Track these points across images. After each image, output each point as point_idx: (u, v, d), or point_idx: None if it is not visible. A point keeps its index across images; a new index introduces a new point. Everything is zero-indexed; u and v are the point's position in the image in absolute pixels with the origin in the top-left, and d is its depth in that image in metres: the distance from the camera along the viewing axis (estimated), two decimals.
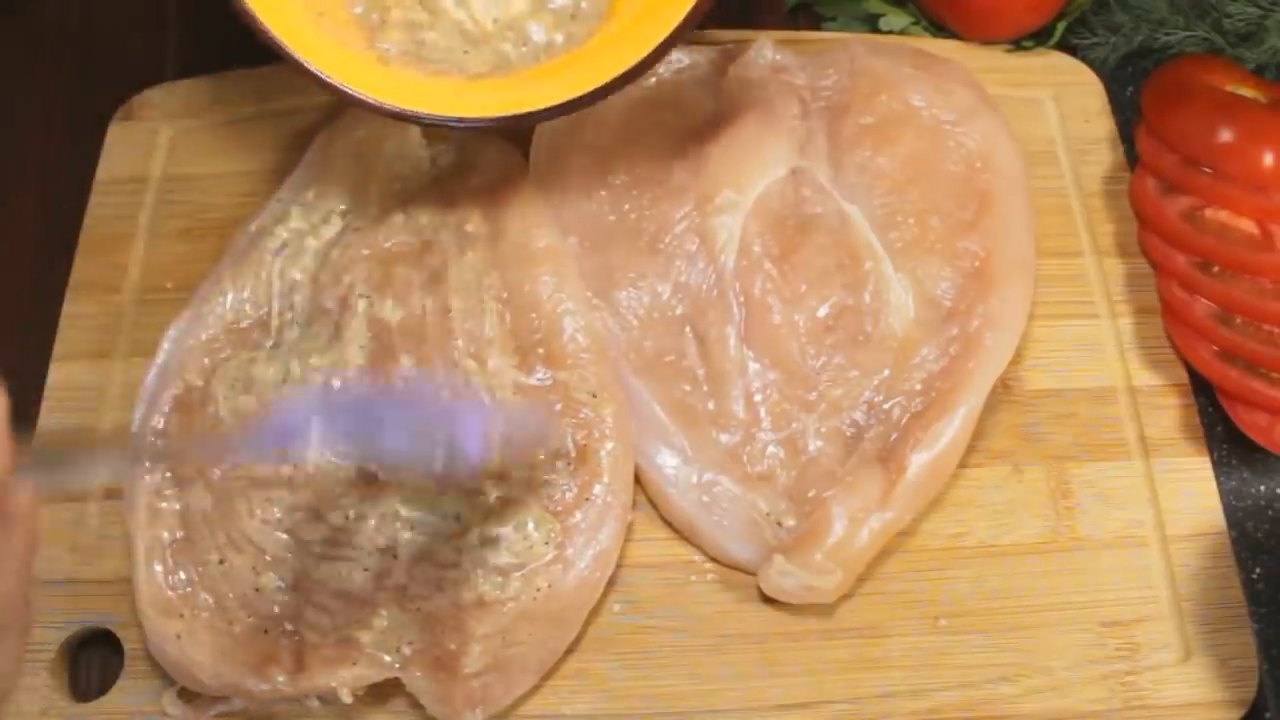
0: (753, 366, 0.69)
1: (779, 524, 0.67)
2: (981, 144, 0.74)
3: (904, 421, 0.67)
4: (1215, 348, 0.73)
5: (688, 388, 0.69)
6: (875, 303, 0.70)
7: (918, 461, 0.66)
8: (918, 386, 0.68)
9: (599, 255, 0.72)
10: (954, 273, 0.71)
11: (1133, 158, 0.80)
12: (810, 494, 0.67)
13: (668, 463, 0.68)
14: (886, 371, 0.69)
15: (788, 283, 0.71)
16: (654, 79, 0.77)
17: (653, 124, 0.76)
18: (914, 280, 0.71)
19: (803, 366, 0.69)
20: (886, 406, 0.68)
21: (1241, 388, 0.71)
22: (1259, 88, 0.80)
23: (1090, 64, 0.85)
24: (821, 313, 0.70)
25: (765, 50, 0.78)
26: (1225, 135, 0.75)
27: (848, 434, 0.68)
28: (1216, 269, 0.74)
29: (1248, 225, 0.75)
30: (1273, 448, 0.71)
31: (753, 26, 0.86)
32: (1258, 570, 0.70)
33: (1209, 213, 0.76)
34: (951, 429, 0.67)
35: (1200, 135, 0.76)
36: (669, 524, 0.69)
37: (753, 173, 0.74)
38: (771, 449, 0.68)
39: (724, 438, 0.68)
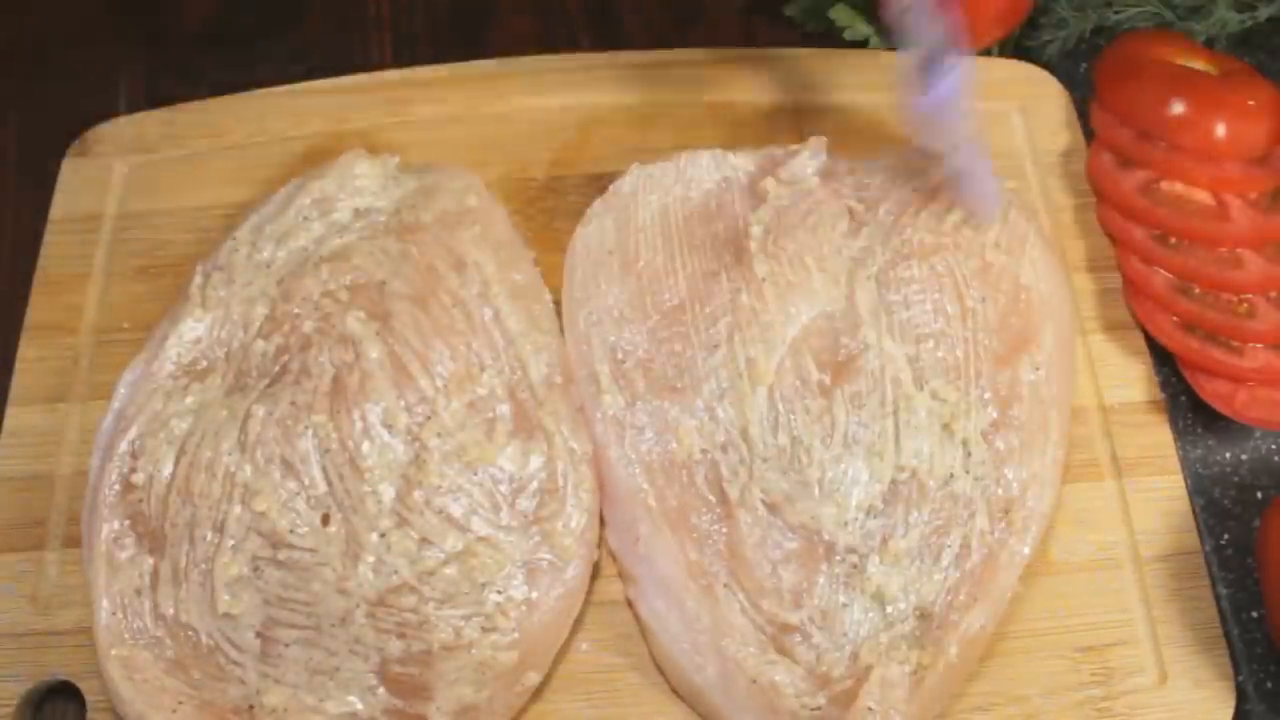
0: (780, 534, 0.64)
1: (802, 705, 0.61)
2: (1030, 283, 0.70)
3: (937, 605, 0.63)
4: (1175, 318, 0.73)
5: (708, 548, 0.64)
6: (914, 476, 0.65)
7: (952, 645, 0.62)
8: (954, 572, 0.64)
9: (625, 392, 0.68)
10: (988, 448, 0.66)
11: (1089, 134, 0.80)
12: (839, 674, 0.62)
13: (679, 626, 0.63)
14: (921, 549, 0.64)
15: (825, 444, 0.66)
16: (694, 188, 0.73)
17: (691, 240, 0.71)
18: (950, 444, 0.66)
19: (837, 540, 0.64)
20: (922, 588, 0.63)
21: (1202, 357, 0.71)
22: (1209, 60, 0.80)
23: (1044, 62, 0.84)
24: (858, 477, 0.65)
25: (814, 157, 0.73)
26: (1177, 108, 0.76)
27: (881, 612, 0.63)
28: (1174, 240, 0.75)
29: (1203, 196, 0.76)
30: (1235, 415, 0.70)
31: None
32: (1225, 536, 0.70)
33: (1165, 185, 0.76)
34: (986, 614, 0.63)
35: (1153, 109, 0.77)
36: (675, 691, 0.65)
37: (799, 301, 0.69)
38: (799, 624, 0.63)
39: (745, 608, 0.63)
